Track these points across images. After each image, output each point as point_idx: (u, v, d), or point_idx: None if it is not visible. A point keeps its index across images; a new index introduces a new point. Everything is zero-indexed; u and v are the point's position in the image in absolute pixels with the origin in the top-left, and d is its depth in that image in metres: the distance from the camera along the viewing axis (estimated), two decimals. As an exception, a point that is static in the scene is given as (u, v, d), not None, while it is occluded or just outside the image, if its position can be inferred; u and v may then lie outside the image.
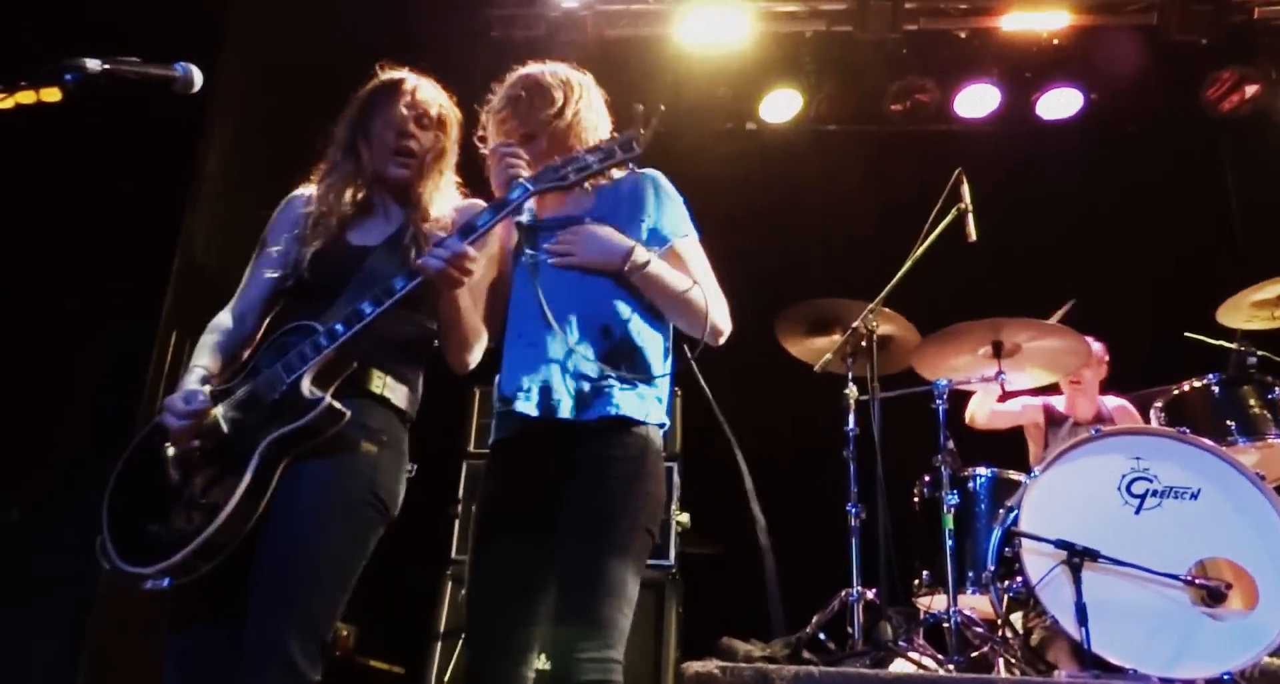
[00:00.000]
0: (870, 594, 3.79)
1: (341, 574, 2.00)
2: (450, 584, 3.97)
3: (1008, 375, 3.92)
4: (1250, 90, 5.63)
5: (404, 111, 2.28)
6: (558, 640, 1.98)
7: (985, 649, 3.48)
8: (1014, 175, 5.72)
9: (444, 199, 2.30)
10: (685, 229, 2.28)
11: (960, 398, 4.44)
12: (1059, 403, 4.65)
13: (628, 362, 2.13)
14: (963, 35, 5.76)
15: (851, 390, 4.15)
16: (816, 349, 4.33)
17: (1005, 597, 3.47)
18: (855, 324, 4.10)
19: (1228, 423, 3.69)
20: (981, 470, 3.88)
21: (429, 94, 2.32)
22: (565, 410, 2.07)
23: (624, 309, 2.17)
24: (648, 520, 2.05)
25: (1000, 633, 3.50)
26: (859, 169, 6.12)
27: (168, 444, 2.07)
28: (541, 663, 2.09)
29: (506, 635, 2.07)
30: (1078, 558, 3.04)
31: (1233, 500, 3.13)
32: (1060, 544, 3.08)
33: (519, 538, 2.09)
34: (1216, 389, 3.75)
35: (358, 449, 2.04)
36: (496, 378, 2.21)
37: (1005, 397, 4.50)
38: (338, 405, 1.98)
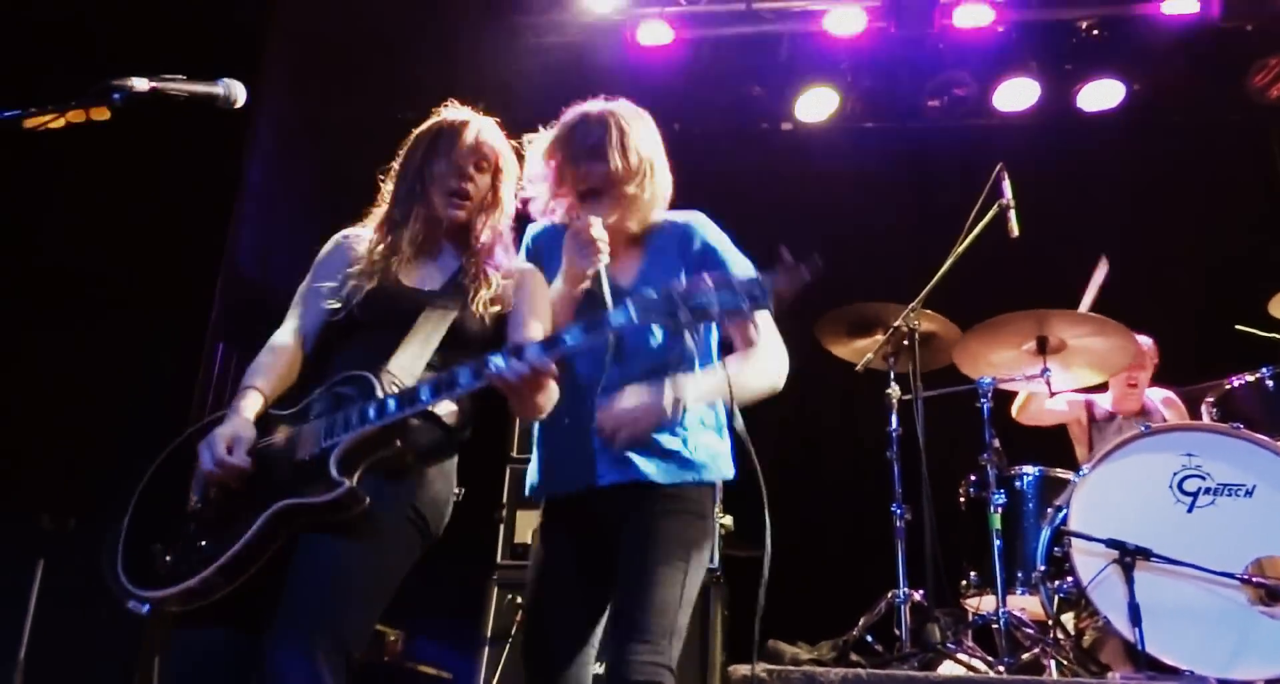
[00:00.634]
0: (917, 595, 3.76)
1: (375, 591, 1.99)
2: (496, 589, 3.99)
3: (1053, 372, 3.86)
4: (1299, 76, 5.52)
5: (466, 154, 2.26)
6: (612, 643, 2.02)
7: (1036, 651, 3.44)
8: (1056, 170, 5.65)
9: (501, 245, 2.29)
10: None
11: (1003, 396, 4.38)
12: (1104, 399, 4.58)
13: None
14: (1000, 29, 5.69)
15: (894, 390, 4.12)
16: (858, 349, 4.32)
17: (1056, 597, 3.43)
18: (897, 323, 4.08)
19: (1283, 418, 3.61)
20: (1028, 469, 3.84)
21: (491, 138, 2.31)
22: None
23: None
24: (699, 535, 2.16)
25: (1051, 634, 3.46)
26: (897, 167, 6.07)
27: (196, 471, 2.06)
28: (597, 668, 2.14)
29: (569, 645, 2.13)
30: (1130, 557, 3.00)
31: (1289, 497, 3.06)
32: (1111, 543, 3.05)
33: (583, 569, 2.17)
34: (1270, 383, 3.63)
35: (401, 465, 2.04)
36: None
37: (1052, 395, 4.43)
38: (358, 492, 1.93)
